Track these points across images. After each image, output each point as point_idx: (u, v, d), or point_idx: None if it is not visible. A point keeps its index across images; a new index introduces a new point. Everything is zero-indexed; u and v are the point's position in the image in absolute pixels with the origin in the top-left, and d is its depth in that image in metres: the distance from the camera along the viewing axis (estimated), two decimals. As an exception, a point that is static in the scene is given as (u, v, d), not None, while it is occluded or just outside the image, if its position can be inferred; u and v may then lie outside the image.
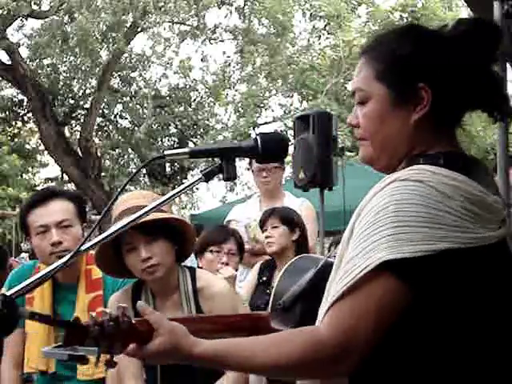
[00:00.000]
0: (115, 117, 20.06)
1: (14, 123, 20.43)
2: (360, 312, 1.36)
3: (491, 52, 1.53)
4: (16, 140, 20.25)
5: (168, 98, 19.59)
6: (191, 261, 4.00)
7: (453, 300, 1.39)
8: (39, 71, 17.98)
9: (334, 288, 1.42)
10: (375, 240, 1.36)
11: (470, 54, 1.50)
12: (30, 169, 21.23)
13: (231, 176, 1.57)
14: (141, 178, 19.50)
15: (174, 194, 1.59)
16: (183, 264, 2.73)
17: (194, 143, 19.38)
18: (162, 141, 20.04)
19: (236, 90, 18.80)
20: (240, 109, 17.63)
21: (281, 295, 1.75)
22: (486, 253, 1.40)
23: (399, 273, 1.35)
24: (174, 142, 20.15)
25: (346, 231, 1.48)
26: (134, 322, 1.44)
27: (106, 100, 18.60)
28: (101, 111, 19.00)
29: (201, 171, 1.57)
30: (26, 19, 17.62)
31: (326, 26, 17.70)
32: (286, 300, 1.72)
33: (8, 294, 1.43)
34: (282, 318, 1.69)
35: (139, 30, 17.39)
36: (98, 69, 17.59)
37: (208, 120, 19.47)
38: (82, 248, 1.52)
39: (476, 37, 1.51)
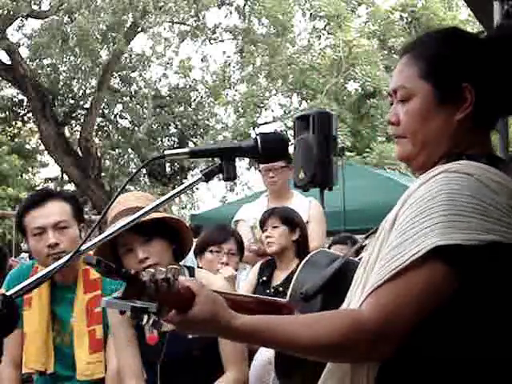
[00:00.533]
0: (115, 117, 20.08)
1: (14, 123, 20.45)
2: (405, 298, 1.37)
3: None
4: (16, 140, 20.26)
5: (168, 97, 19.61)
6: (191, 261, 4.00)
7: (495, 292, 1.40)
8: (39, 71, 17.99)
9: (377, 273, 1.42)
10: (426, 226, 1.37)
11: (509, 58, 1.52)
12: (30, 169, 21.26)
13: (231, 176, 1.56)
14: (141, 178, 19.52)
15: (174, 194, 1.59)
16: (183, 264, 2.73)
17: (194, 143, 19.39)
18: (162, 141, 20.06)
19: (236, 90, 18.82)
20: (240, 109, 17.63)
21: (300, 286, 1.75)
22: None
23: (449, 259, 1.36)
24: (174, 142, 20.16)
25: (388, 221, 1.48)
26: (180, 288, 1.43)
27: (106, 100, 18.61)
28: (101, 111, 19.02)
29: (201, 171, 1.57)
30: (26, 19, 17.64)
31: (325, 25, 17.70)
32: (309, 290, 1.72)
33: (8, 294, 1.43)
34: (303, 307, 1.69)
35: (139, 30, 17.40)
36: (98, 69, 17.60)
37: (208, 120, 19.48)
38: (82, 248, 1.52)
39: None
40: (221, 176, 1.57)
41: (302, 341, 1.41)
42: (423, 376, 1.43)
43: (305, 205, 4.67)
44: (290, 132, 12.17)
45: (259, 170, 4.94)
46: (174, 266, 1.44)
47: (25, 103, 19.07)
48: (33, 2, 17.00)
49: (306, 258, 1.87)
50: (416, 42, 1.61)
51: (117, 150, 20.04)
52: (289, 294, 1.80)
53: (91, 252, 2.75)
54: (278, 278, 3.96)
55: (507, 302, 1.41)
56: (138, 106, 19.25)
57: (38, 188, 18.82)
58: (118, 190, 1.64)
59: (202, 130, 19.44)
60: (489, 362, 1.41)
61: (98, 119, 19.26)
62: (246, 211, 4.87)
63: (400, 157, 1.60)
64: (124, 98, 19.62)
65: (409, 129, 1.55)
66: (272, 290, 3.89)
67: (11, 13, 16.26)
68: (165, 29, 17.64)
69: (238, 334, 1.44)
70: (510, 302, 1.42)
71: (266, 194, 4.92)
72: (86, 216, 3.21)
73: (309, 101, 17.36)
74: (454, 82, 1.52)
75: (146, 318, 1.40)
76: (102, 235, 1.55)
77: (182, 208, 20.88)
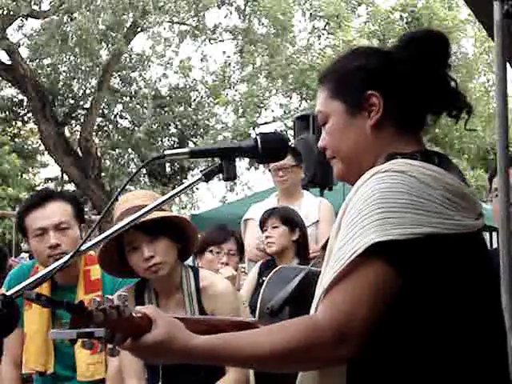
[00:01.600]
0: (115, 117, 20.07)
1: (14, 123, 20.43)
2: (353, 297, 1.40)
3: (437, 57, 1.61)
4: (16, 140, 20.25)
5: (168, 97, 19.60)
6: (191, 261, 4.00)
7: (438, 284, 1.43)
8: (39, 71, 17.99)
9: (325, 277, 1.45)
10: (363, 226, 1.40)
11: (415, 60, 1.59)
12: (30, 169, 21.25)
13: (231, 176, 1.57)
14: (141, 178, 19.51)
15: (174, 194, 1.59)
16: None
17: (194, 143, 19.38)
18: (161, 141, 20.05)
19: (236, 90, 18.81)
20: (240, 109, 17.62)
21: (267, 302, 1.77)
22: (466, 240, 1.46)
23: (388, 256, 1.39)
24: (174, 142, 20.16)
25: (334, 226, 1.52)
26: (133, 314, 1.43)
27: (106, 100, 18.60)
28: (101, 111, 19.01)
29: (201, 171, 1.57)
30: (26, 19, 17.63)
31: (325, 25, 17.70)
32: (274, 304, 1.75)
33: (8, 294, 1.43)
34: (271, 322, 1.70)
35: (139, 29, 17.39)
36: (98, 69, 17.59)
37: (208, 120, 19.47)
38: (82, 248, 1.52)
39: (419, 44, 1.60)
40: (221, 176, 1.58)
41: (261, 351, 1.42)
42: (389, 374, 1.45)
43: (315, 205, 4.67)
44: (290, 132, 12.16)
45: (269, 170, 4.92)
46: (124, 293, 1.45)
47: (25, 103, 19.05)
48: (33, 2, 16.98)
49: (270, 275, 1.90)
50: (327, 68, 1.70)
51: (117, 149, 20.03)
52: (257, 312, 1.81)
53: (92, 252, 2.77)
54: (278, 278, 3.96)
55: (451, 291, 1.44)
56: (138, 106, 19.25)
57: (38, 188, 18.83)
58: (118, 189, 1.64)
59: (202, 130, 19.43)
60: (446, 354, 1.43)
61: (98, 119, 19.24)
62: (255, 210, 4.84)
63: (337, 177, 1.68)
64: (124, 97, 19.62)
65: (333, 148, 1.63)
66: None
67: (11, 13, 16.25)
68: (165, 29, 17.63)
69: (199, 355, 1.43)
70: (454, 292, 1.45)
71: (276, 194, 4.90)
72: (85, 216, 3.20)
73: (309, 101, 17.35)
74: (357, 91, 1.58)
75: (100, 345, 1.40)
76: (105, 233, 1.55)
77: (182, 208, 20.87)
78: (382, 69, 1.59)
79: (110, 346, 1.41)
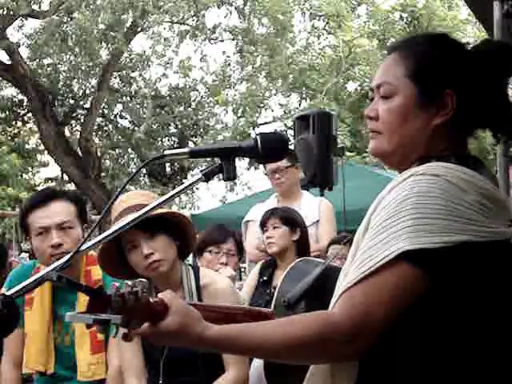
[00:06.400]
0: (115, 117, 20.05)
1: (14, 123, 20.42)
2: (373, 298, 1.40)
3: (508, 75, 1.60)
4: (16, 140, 20.24)
5: (168, 98, 19.58)
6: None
7: (467, 291, 1.42)
8: (39, 71, 17.97)
9: (349, 275, 1.44)
10: (395, 231, 1.40)
11: (492, 73, 1.56)
12: (29, 169, 21.24)
13: (231, 176, 1.57)
14: (141, 178, 19.50)
15: (174, 194, 1.59)
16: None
17: (194, 143, 19.38)
18: (162, 141, 20.03)
19: (236, 90, 18.80)
20: (240, 109, 17.61)
21: (284, 294, 1.78)
22: (499, 248, 1.44)
23: (417, 262, 1.39)
24: (174, 142, 20.14)
25: (362, 225, 1.51)
26: (151, 300, 1.44)
27: (106, 100, 18.59)
28: (101, 111, 18.99)
29: (201, 171, 1.57)
30: (26, 19, 17.61)
31: (325, 25, 17.69)
32: (291, 297, 1.75)
33: (8, 293, 1.43)
34: (287, 315, 1.71)
35: (139, 29, 17.38)
36: (97, 69, 17.59)
37: (208, 120, 19.46)
38: (82, 248, 1.53)
39: (499, 59, 1.56)
40: (221, 176, 1.58)
41: (274, 343, 1.42)
42: (400, 375, 1.45)
43: (315, 204, 4.67)
44: (290, 132, 12.16)
45: (265, 174, 4.91)
46: (143, 280, 1.45)
47: (25, 103, 19.04)
48: (33, 2, 16.97)
49: (288, 268, 1.91)
50: (406, 41, 1.64)
51: (117, 150, 20.02)
52: (273, 304, 1.83)
53: (93, 253, 2.77)
54: (279, 277, 3.95)
55: (481, 299, 1.44)
56: (138, 106, 19.23)
57: (38, 188, 18.82)
58: (118, 189, 1.64)
59: (202, 130, 19.42)
60: (465, 359, 1.43)
61: (98, 119, 19.23)
62: (256, 211, 4.83)
63: (374, 152, 1.61)
64: (124, 97, 19.60)
65: (387, 126, 1.57)
66: (272, 290, 3.89)
67: (11, 12, 16.24)
68: (164, 28, 17.63)
69: (211, 345, 1.45)
70: (484, 300, 1.44)
71: (275, 195, 4.89)
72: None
73: (309, 100, 17.35)
74: (437, 86, 1.54)
75: (114, 330, 1.41)
76: (104, 234, 1.55)
77: (182, 208, 20.85)
78: (464, 70, 1.55)
79: (124, 330, 1.42)
